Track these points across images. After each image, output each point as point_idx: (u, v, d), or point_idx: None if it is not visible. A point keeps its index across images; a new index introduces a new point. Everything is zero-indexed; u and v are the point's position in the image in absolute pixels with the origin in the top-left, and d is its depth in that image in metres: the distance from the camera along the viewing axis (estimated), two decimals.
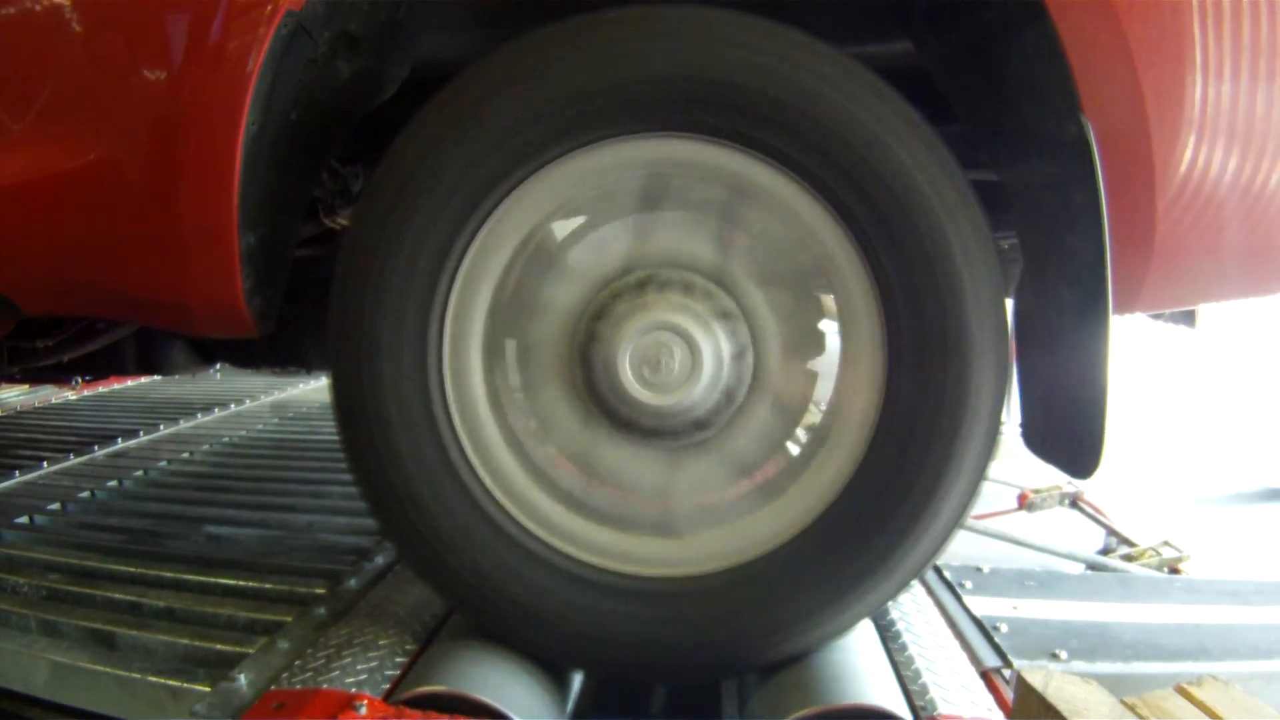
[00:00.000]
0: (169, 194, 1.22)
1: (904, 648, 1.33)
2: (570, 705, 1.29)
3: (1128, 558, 2.56)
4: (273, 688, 1.23)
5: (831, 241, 1.19)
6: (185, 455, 2.92)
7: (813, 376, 1.33)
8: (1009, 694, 1.30)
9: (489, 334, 1.26)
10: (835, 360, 1.26)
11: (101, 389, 4.40)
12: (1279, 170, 1.13)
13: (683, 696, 1.42)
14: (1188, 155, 1.09)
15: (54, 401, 4.14)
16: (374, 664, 1.26)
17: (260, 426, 3.44)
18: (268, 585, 1.70)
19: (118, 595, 1.68)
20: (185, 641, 1.50)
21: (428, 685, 1.15)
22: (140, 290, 1.33)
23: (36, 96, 1.28)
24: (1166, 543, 2.59)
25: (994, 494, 3.04)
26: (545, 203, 1.23)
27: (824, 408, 1.29)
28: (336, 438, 1.26)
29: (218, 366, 2.98)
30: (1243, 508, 3.94)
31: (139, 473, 2.68)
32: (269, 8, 1.15)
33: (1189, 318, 2.28)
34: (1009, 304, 1.22)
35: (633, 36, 1.13)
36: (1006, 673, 1.38)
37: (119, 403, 4.05)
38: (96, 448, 3.00)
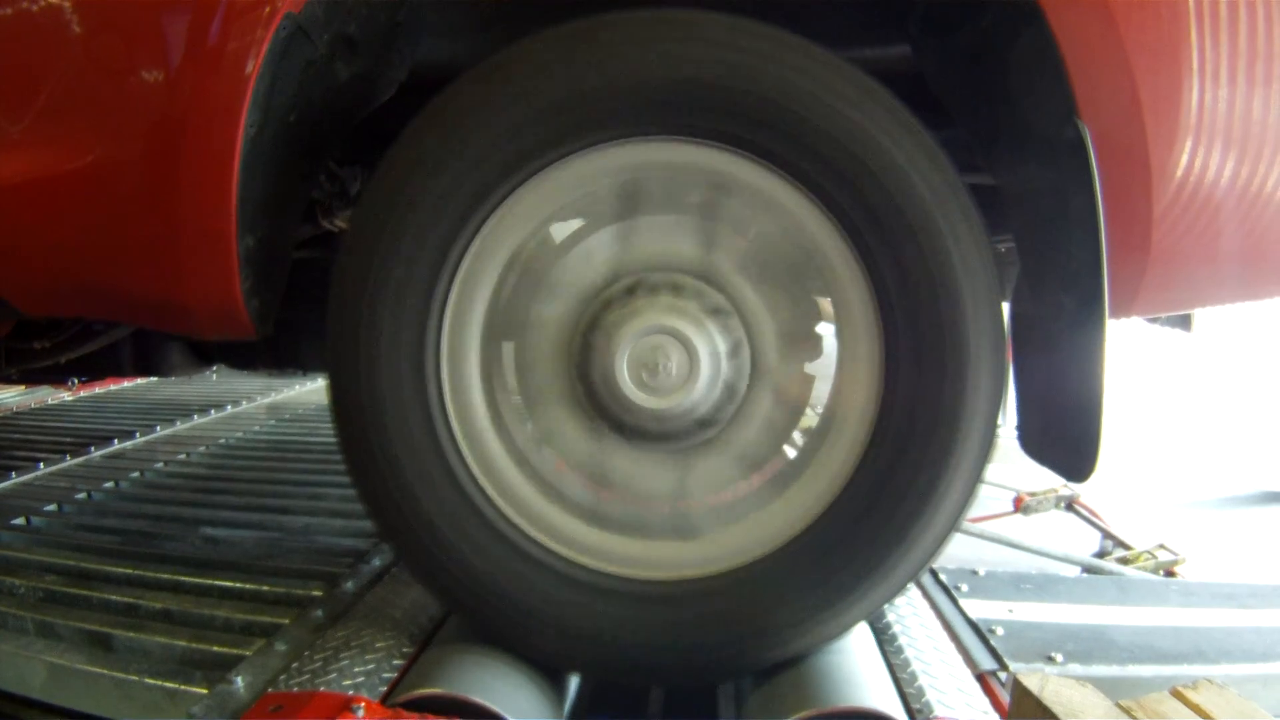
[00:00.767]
0: (168, 196, 1.22)
1: (900, 650, 1.34)
2: (567, 708, 1.30)
3: (1123, 561, 2.57)
4: (270, 690, 1.23)
5: (828, 245, 1.19)
6: (182, 457, 2.92)
7: (810, 380, 1.33)
8: (1005, 697, 1.31)
9: (487, 336, 1.27)
10: (832, 363, 1.26)
11: (98, 390, 4.39)
12: (1275, 175, 1.13)
13: (679, 699, 1.42)
14: (1184, 160, 1.09)
15: (50, 402, 4.14)
16: (371, 666, 1.26)
17: (256, 428, 3.44)
18: (265, 587, 1.70)
19: (115, 597, 1.68)
20: (182, 643, 1.49)
21: (425, 688, 1.15)
22: (138, 292, 1.33)
23: (35, 98, 1.27)
24: (1162, 546, 2.59)
25: (990, 497, 3.04)
26: (542, 206, 1.23)
27: (821, 411, 1.29)
28: (333, 440, 1.26)
29: (214, 368, 2.97)
30: (1238, 511, 3.95)
31: (135, 474, 2.68)
32: (268, 10, 1.15)
33: (1185, 322, 2.29)
34: (1005, 307, 1.22)
35: (629, 41, 1.13)
36: (1002, 675, 1.38)
37: (115, 404, 4.05)
38: (93, 449, 3.00)
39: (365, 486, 1.25)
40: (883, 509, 1.18)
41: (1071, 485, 2.97)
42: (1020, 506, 2.99)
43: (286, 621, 1.52)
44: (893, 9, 1.38)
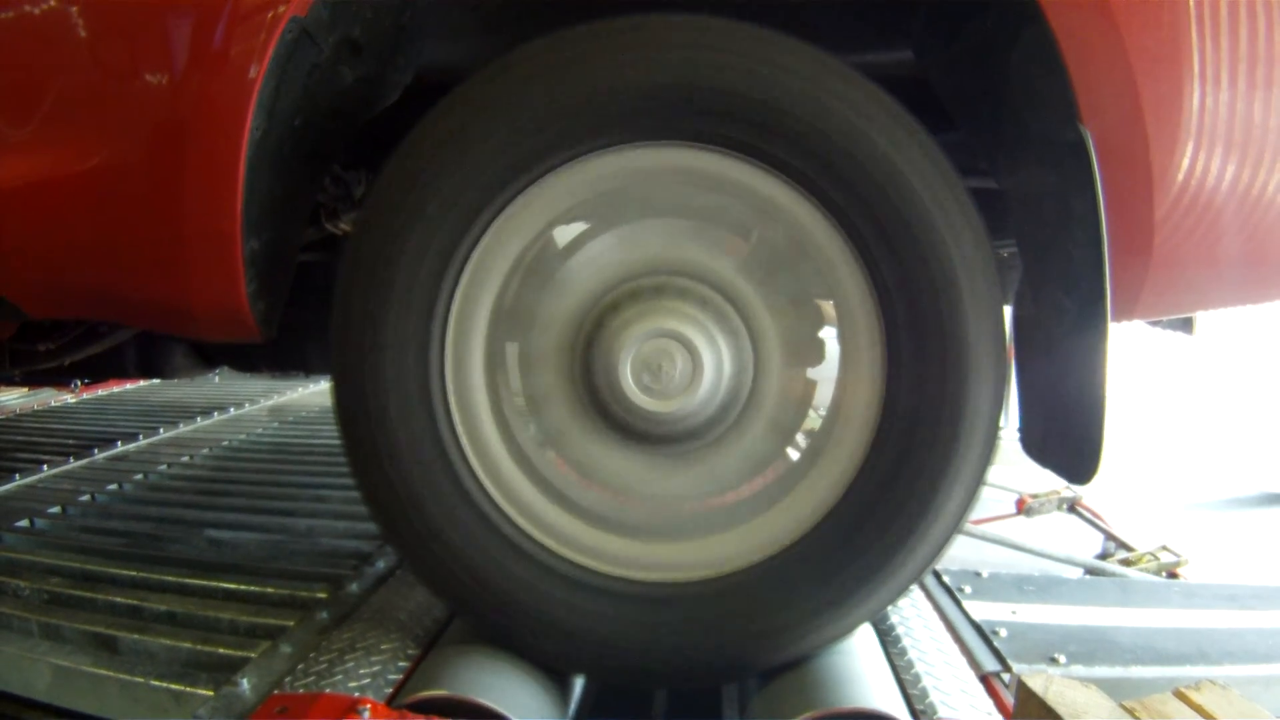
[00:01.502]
0: (173, 198, 1.22)
1: (904, 652, 1.34)
2: (571, 709, 1.30)
3: (1126, 562, 2.57)
4: (276, 692, 1.23)
5: (830, 248, 1.19)
6: (185, 459, 2.92)
7: (812, 382, 1.34)
8: (1008, 698, 1.31)
9: (491, 338, 1.27)
10: (835, 366, 1.26)
11: (100, 392, 4.40)
12: (1276, 178, 1.13)
13: (683, 701, 1.42)
14: (1185, 163, 1.10)
15: (53, 405, 4.15)
16: (377, 668, 1.26)
17: (260, 430, 3.45)
18: (269, 589, 1.70)
19: (119, 599, 1.69)
20: (188, 645, 1.50)
21: (430, 690, 1.15)
22: (143, 294, 1.33)
23: (41, 101, 1.28)
24: (1164, 547, 2.60)
25: (993, 499, 3.04)
26: (547, 210, 1.23)
27: (824, 413, 1.29)
28: (336, 442, 1.26)
29: (217, 370, 2.98)
30: (1240, 513, 3.95)
31: (139, 476, 2.69)
32: (273, 13, 1.16)
33: (1187, 325, 2.29)
34: (1008, 310, 1.23)
35: (632, 46, 1.14)
36: (1006, 677, 1.38)
37: (118, 406, 4.06)
38: (96, 451, 3.00)
39: (369, 488, 1.25)
40: (886, 510, 1.18)
41: (1074, 487, 2.97)
42: (1023, 508, 2.99)
43: (291, 624, 1.52)
44: (895, 13, 1.39)
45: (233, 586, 1.73)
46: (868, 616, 1.24)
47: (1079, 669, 1.41)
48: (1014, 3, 1.11)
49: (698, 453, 1.31)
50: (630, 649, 1.24)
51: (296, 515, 2.25)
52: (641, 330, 1.22)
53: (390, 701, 1.19)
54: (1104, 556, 2.72)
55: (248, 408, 3.98)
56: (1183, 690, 1.11)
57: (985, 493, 1.21)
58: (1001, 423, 1.18)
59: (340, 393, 1.23)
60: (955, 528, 1.19)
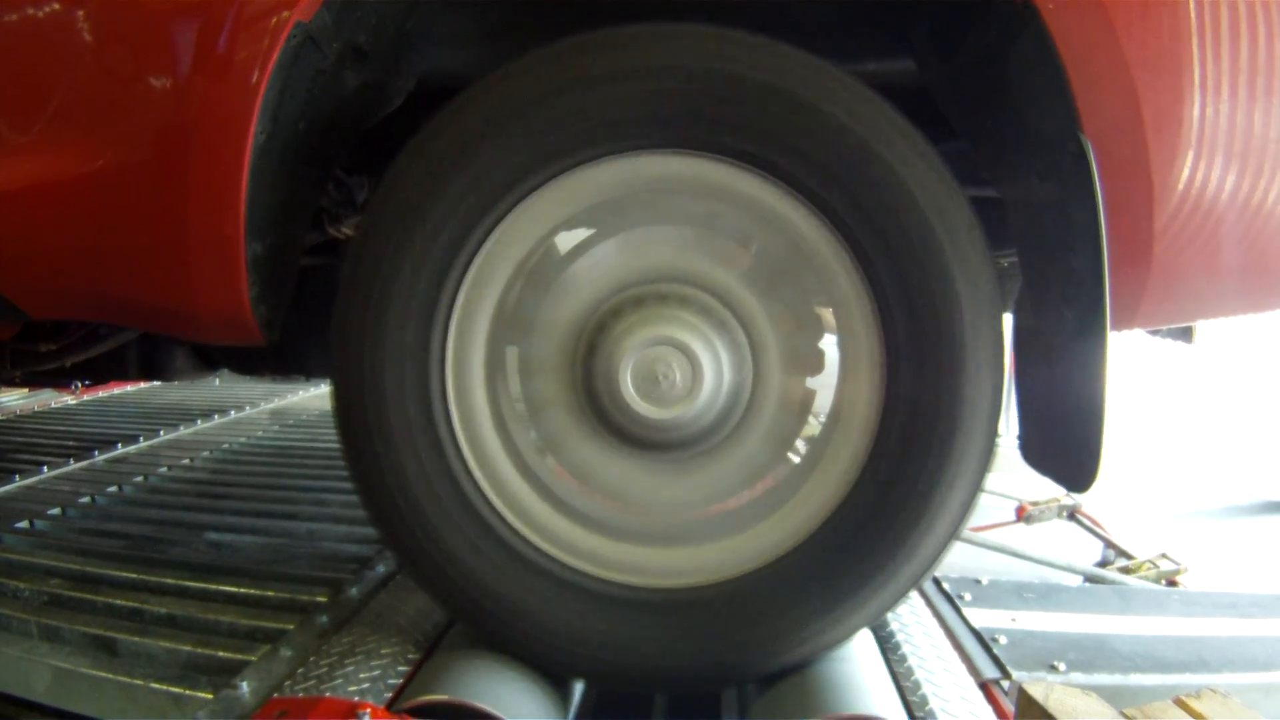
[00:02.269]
0: (176, 202, 1.23)
1: (903, 659, 1.34)
2: (571, 714, 1.30)
3: (1125, 570, 2.57)
4: (275, 695, 1.24)
5: (830, 256, 1.20)
6: (186, 461, 2.93)
7: (812, 390, 1.34)
8: (1008, 705, 1.31)
9: (491, 343, 1.27)
10: (834, 373, 1.27)
11: (101, 394, 4.40)
12: (1276, 188, 1.14)
13: (683, 706, 1.42)
14: (1185, 173, 1.10)
15: (54, 406, 4.15)
16: (377, 673, 1.26)
17: (260, 433, 3.45)
18: (269, 593, 1.70)
19: (119, 601, 1.69)
20: (187, 648, 1.50)
21: (430, 694, 1.15)
22: (146, 297, 1.33)
23: (46, 104, 1.28)
24: (1164, 555, 2.60)
25: (992, 506, 3.04)
26: (548, 217, 1.24)
27: (823, 420, 1.30)
28: (337, 445, 1.26)
29: (218, 373, 2.98)
30: (1239, 521, 3.95)
31: (139, 478, 2.69)
32: (278, 19, 1.16)
33: (1186, 333, 2.29)
34: (1007, 319, 1.23)
35: (635, 55, 1.14)
36: (1005, 684, 1.39)
37: (119, 408, 4.06)
38: (97, 453, 3.00)
39: (369, 493, 1.25)
40: (885, 517, 1.19)
41: (1073, 495, 2.97)
42: (1022, 516, 2.99)
43: (291, 627, 1.52)
44: (896, 23, 1.39)
45: (233, 589, 1.73)
46: (867, 622, 1.25)
47: (1078, 676, 1.41)
48: (1015, 12, 1.12)
49: (697, 459, 1.31)
50: (630, 654, 1.24)
51: (297, 519, 2.25)
52: (642, 337, 1.23)
53: (390, 706, 1.19)
54: (1103, 564, 2.72)
55: (248, 410, 3.98)
56: (1183, 698, 1.11)
57: (985, 500, 1.22)
58: (1001, 430, 1.19)
59: (340, 397, 1.23)
60: (954, 534, 1.20)
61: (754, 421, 1.29)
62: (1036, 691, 1.08)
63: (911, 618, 1.51)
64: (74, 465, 2.87)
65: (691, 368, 1.22)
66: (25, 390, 4.26)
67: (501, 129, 1.15)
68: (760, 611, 1.22)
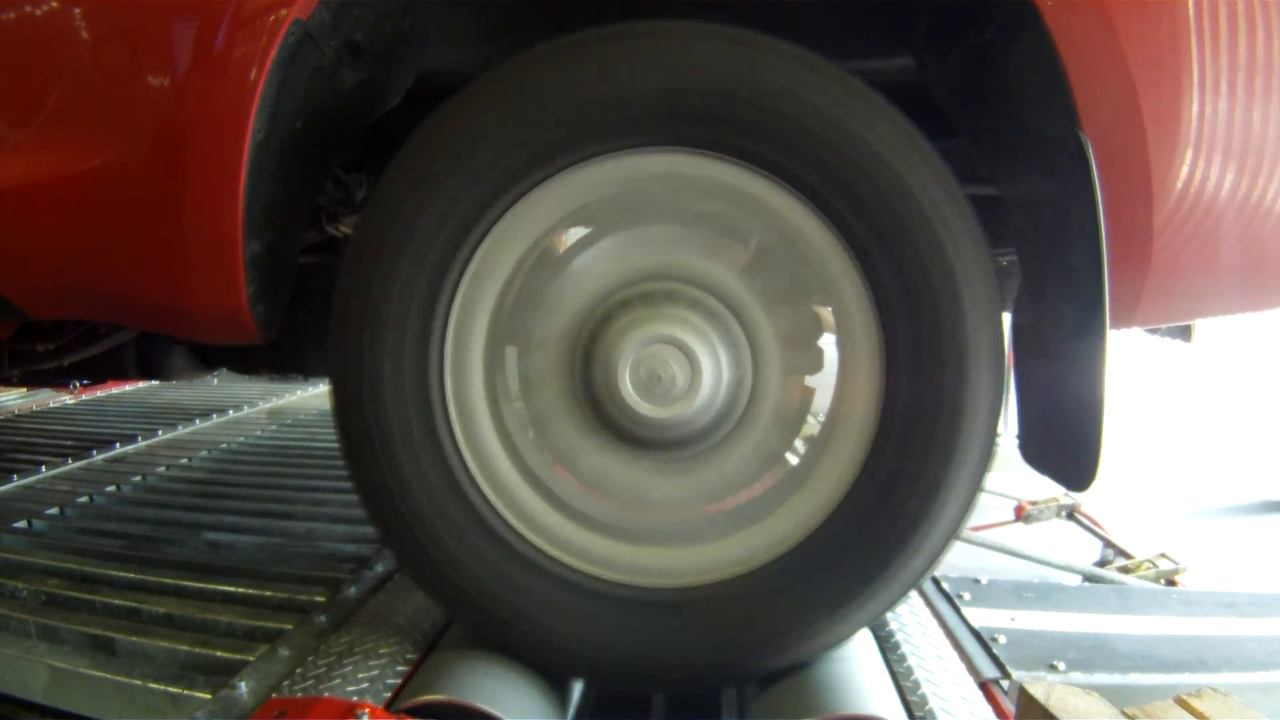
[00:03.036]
0: (174, 200, 1.23)
1: (903, 658, 1.34)
2: (570, 714, 1.30)
3: (1124, 570, 2.57)
4: (274, 695, 1.23)
5: (829, 254, 1.19)
6: (184, 461, 2.92)
7: (811, 388, 1.34)
8: (1007, 705, 1.31)
9: (490, 341, 1.27)
10: (833, 373, 1.27)
11: (99, 394, 4.40)
12: (1275, 186, 1.14)
13: (682, 706, 1.42)
14: (1184, 171, 1.10)
15: (52, 406, 4.14)
16: (375, 672, 1.26)
17: (258, 433, 3.44)
18: (268, 592, 1.70)
19: (117, 601, 1.68)
20: (185, 648, 1.50)
21: (429, 694, 1.15)
22: (144, 296, 1.33)
23: (43, 102, 1.28)
24: (1163, 555, 2.60)
25: (991, 505, 3.05)
26: (546, 216, 1.23)
27: (822, 419, 1.30)
28: (334, 445, 1.26)
29: (216, 372, 2.98)
30: (1238, 520, 3.95)
31: (137, 478, 2.69)
32: (276, 16, 1.16)
33: (1185, 332, 2.29)
34: (1006, 318, 1.23)
35: (632, 52, 1.14)
36: (1005, 684, 1.38)
37: (117, 408, 4.05)
38: (95, 453, 3.00)
39: (367, 492, 1.25)
40: (884, 516, 1.18)
41: (1072, 494, 2.97)
42: (1021, 515, 2.99)
43: (289, 627, 1.52)
44: (895, 21, 1.39)
45: (231, 589, 1.72)
46: (866, 622, 1.24)
47: (1078, 676, 1.41)
48: (1014, 10, 1.12)
49: (696, 459, 1.31)
50: (629, 654, 1.24)
51: (295, 518, 2.25)
52: (641, 336, 1.22)
53: (389, 706, 1.18)
54: (1102, 564, 2.72)
55: (246, 410, 3.98)
56: (1184, 697, 1.11)
57: (984, 499, 1.21)
58: (1000, 429, 1.18)
59: (339, 397, 1.23)
60: (953, 533, 1.20)
61: (753, 420, 1.28)
62: (1037, 691, 1.08)
63: (911, 617, 1.51)
64: (72, 465, 2.87)
65: (690, 366, 1.22)
66: (23, 390, 4.25)
67: (499, 127, 1.15)
68: (759, 611, 1.22)
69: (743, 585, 1.24)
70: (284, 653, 1.41)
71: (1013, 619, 1.61)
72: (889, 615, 1.45)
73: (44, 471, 2.76)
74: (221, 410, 3.86)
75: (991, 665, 1.43)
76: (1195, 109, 1.08)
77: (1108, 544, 2.84)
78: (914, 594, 1.62)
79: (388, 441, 1.21)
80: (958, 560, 1.48)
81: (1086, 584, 2.35)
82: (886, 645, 1.39)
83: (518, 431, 1.32)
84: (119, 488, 2.59)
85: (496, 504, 1.26)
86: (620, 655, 1.24)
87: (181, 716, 1.35)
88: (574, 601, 1.24)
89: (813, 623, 1.21)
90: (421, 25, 1.39)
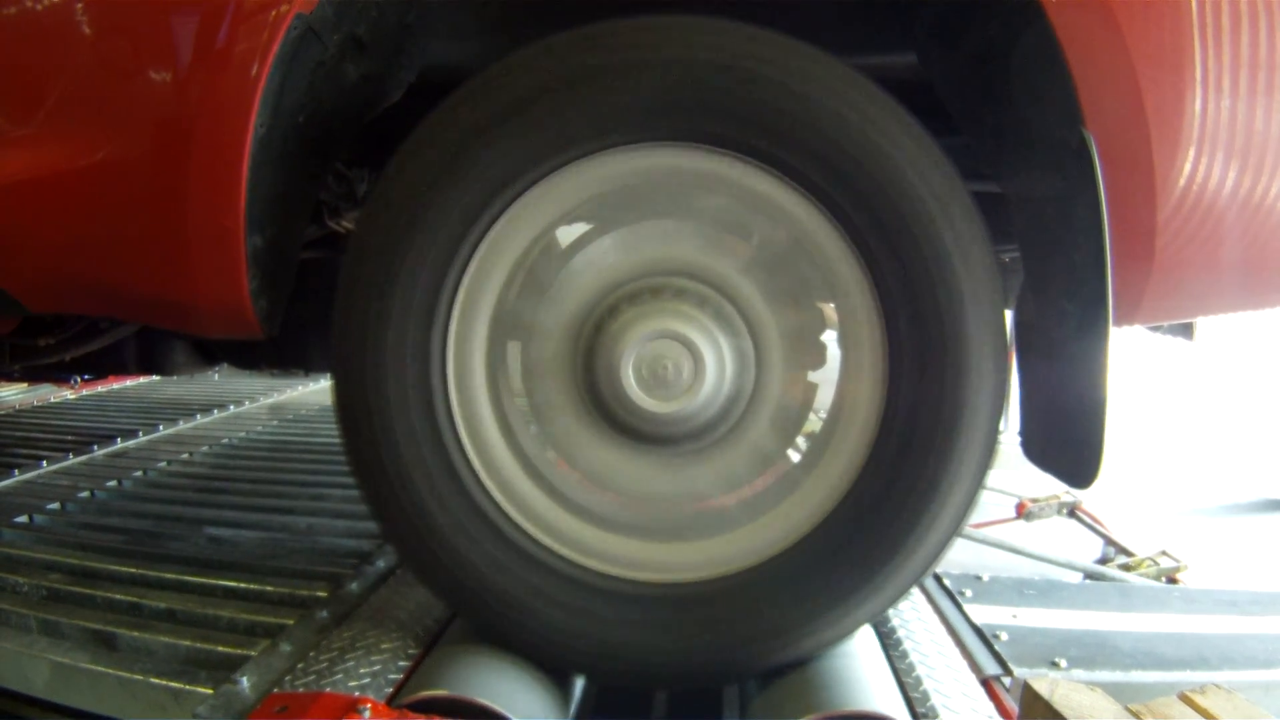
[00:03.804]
0: (176, 194, 1.22)
1: (905, 655, 1.34)
2: (572, 710, 1.30)
3: (1125, 567, 2.57)
4: (275, 690, 1.23)
5: (832, 250, 1.19)
6: (185, 456, 2.92)
7: (814, 385, 1.34)
8: (1009, 702, 1.31)
9: (493, 337, 1.27)
10: (836, 369, 1.27)
11: (100, 389, 4.40)
12: (1277, 184, 1.13)
13: (684, 702, 1.42)
14: (1187, 168, 1.10)
15: (52, 401, 4.14)
16: (377, 668, 1.26)
17: (259, 428, 3.44)
18: (269, 588, 1.70)
19: (118, 596, 1.68)
20: (187, 643, 1.49)
21: (431, 689, 1.15)
22: (146, 290, 1.33)
23: (47, 95, 1.28)
24: (1164, 553, 2.60)
25: (993, 502, 3.05)
26: (548, 211, 1.23)
27: (825, 415, 1.30)
28: (336, 440, 1.26)
29: (217, 367, 2.98)
30: (1239, 518, 3.95)
31: (138, 473, 2.68)
32: (278, 11, 1.16)
33: (1187, 330, 2.29)
34: (1009, 315, 1.23)
35: (635, 47, 1.13)
36: (1007, 681, 1.38)
37: (117, 403, 4.05)
38: (96, 448, 3.00)
39: (369, 488, 1.25)
40: (886, 512, 1.18)
41: (1073, 492, 2.97)
42: (1023, 512, 3.00)
43: (291, 622, 1.52)
44: (899, 17, 1.39)
45: (232, 584, 1.73)
46: (868, 618, 1.24)
47: (1080, 673, 1.41)
48: (1018, 7, 1.11)
49: (699, 454, 1.30)
50: (631, 649, 1.24)
51: (296, 513, 2.24)
52: (644, 331, 1.22)
53: (391, 701, 1.18)
54: (1104, 561, 2.72)
55: (247, 405, 3.98)
56: (1188, 694, 1.11)
57: (985, 496, 1.21)
58: (1002, 425, 1.18)
59: (341, 391, 1.23)
60: (955, 530, 1.20)
61: (756, 416, 1.28)
62: (1042, 687, 1.08)
63: (913, 614, 1.51)
64: (73, 460, 2.86)
65: (694, 361, 1.22)
66: (24, 385, 4.25)
67: (502, 123, 1.15)
68: (762, 607, 1.22)
69: (745, 581, 1.24)
70: (285, 648, 1.41)
71: (1014, 616, 1.61)
72: (891, 612, 1.45)
73: (45, 466, 2.76)
74: (222, 405, 3.86)
75: (993, 662, 1.43)
76: (1198, 106, 1.08)
77: (1109, 541, 2.84)
78: (916, 591, 1.62)
79: (390, 436, 1.21)
80: (959, 557, 1.48)
81: (1088, 581, 2.36)
82: (888, 642, 1.39)
83: (520, 426, 1.32)
84: (120, 483, 2.59)
85: (499, 499, 1.26)
86: (622, 651, 1.24)
87: (183, 712, 1.35)
88: (576, 597, 1.24)
89: (815, 619, 1.21)
90: (424, 20, 1.39)
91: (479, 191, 1.17)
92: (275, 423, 3.56)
